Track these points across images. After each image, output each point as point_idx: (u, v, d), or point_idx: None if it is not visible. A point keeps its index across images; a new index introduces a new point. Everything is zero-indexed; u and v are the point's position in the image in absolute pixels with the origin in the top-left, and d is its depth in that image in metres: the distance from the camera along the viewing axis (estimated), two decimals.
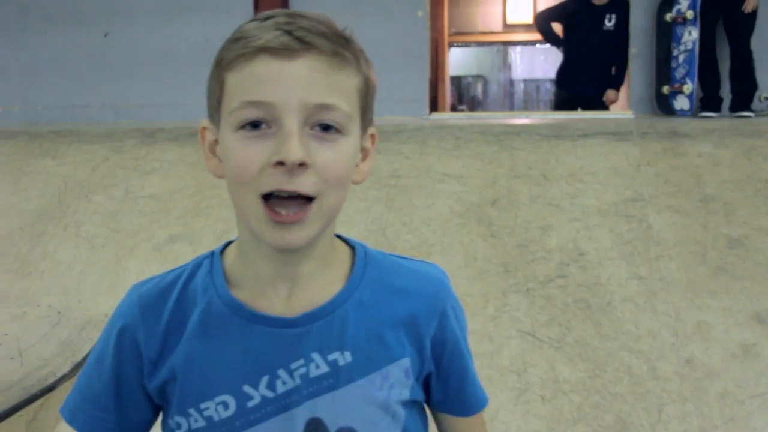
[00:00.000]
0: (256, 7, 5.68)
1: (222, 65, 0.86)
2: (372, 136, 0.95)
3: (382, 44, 5.29)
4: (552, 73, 6.81)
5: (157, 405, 0.95)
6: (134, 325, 0.92)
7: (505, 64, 11.13)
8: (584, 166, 3.72)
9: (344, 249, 0.98)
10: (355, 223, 3.39)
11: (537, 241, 3.28)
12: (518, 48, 10.99)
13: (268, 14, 0.87)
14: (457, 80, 10.80)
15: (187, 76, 5.71)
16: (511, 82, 11.18)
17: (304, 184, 0.82)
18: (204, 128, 0.92)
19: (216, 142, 0.90)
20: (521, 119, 5.38)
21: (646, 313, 2.90)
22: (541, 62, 10.72)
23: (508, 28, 10.17)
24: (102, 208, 3.72)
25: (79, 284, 3.30)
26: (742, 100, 5.02)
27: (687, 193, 3.50)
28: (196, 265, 0.96)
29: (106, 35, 5.83)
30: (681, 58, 5.07)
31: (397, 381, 0.92)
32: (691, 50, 5.00)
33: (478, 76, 11.08)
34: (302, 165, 0.81)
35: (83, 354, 2.85)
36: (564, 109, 5.77)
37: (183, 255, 3.37)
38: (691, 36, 4.99)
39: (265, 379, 0.89)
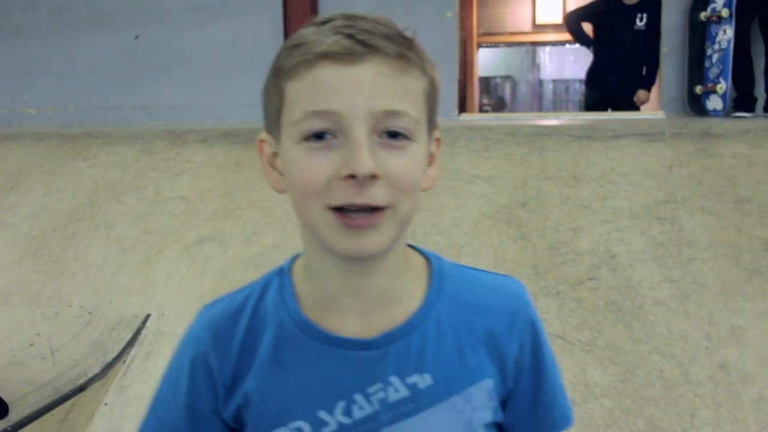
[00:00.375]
0: (285, 9, 5.69)
1: (281, 74, 0.81)
2: (437, 140, 0.90)
3: None
4: (581, 74, 6.75)
5: (234, 430, 0.92)
6: (207, 351, 0.89)
7: (534, 65, 11.07)
8: (615, 168, 3.67)
9: (419, 261, 0.93)
10: None
11: (567, 243, 3.25)
12: (547, 48, 10.92)
13: (325, 18, 0.82)
14: (485, 81, 10.75)
15: (216, 77, 5.76)
16: (540, 83, 11.11)
17: (375, 195, 0.77)
18: (262, 141, 0.88)
19: (275, 155, 0.86)
20: (551, 120, 5.33)
21: (678, 316, 2.85)
22: (570, 62, 10.64)
23: (538, 28, 10.11)
24: (132, 210, 3.76)
25: (110, 285, 3.33)
26: None
27: (720, 195, 3.44)
28: (266, 283, 0.92)
29: (136, 38, 5.89)
30: (715, 57, 4.99)
31: (480, 403, 0.88)
32: (726, 49, 4.92)
33: (506, 77, 11.02)
34: (373, 177, 0.76)
35: (114, 354, 2.88)
36: (594, 109, 5.71)
37: (212, 256, 3.38)
38: (725, 35, 4.91)
39: (341, 405, 0.85)
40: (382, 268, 0.85)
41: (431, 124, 0.87)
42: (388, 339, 0.85)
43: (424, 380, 0.85)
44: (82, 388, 2.67)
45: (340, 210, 0.78)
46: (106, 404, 2.75)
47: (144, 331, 3.04)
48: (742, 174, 3.55)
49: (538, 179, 3.65)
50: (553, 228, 3.34)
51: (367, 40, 0.78)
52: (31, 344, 2.94)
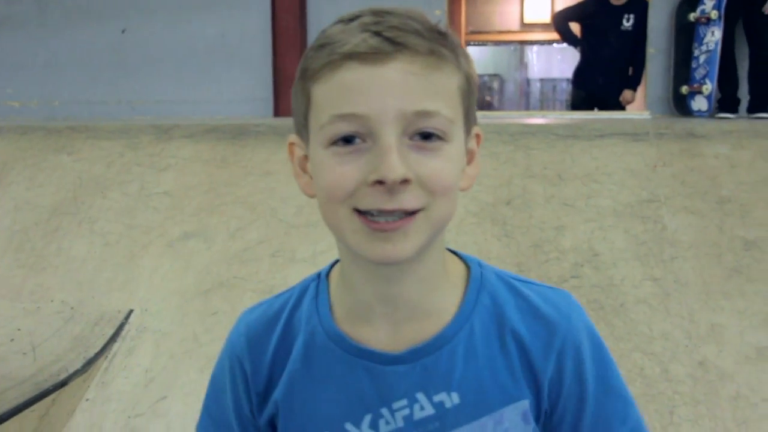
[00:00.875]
0: (274, 4, 5.69)
1: (307, 76, 0.77)
2: (477, 136, 0.86)
3: None
4: (569, 73, 6.77)
5: None
6: (242, 357, 0.89)
7: (522, 63, 11.09)
8: (600, 167, 3.69)
9: (458, 268, 0.89)
10: None
11: (551, 241, 3.26)
12: (535, 47, 10.96)
13: (353, 14, 0.77)
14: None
15: (203, 73, 5.74)
16: (528, 82, 11.14)
17: (407, 200, 0.74)
18: (292, 144, 0.85)
19: (306, 158, 0.82)
20: (537, 119, 5.35)
21: (659, 314, 2.87)
22: (557, 62, 10.68)
23: (526, 27, 10.15)
24: (117, 205, 3.74)
25: (93, 280, 3.32)
26: (761, 102, 4.97)
27: (703, 195, 3.46)
28: (303, 289, 0.90)
29: (123, 32, 5.87)
30: (702, 58, 5.03)
31: (512, 425, 0.82)
32: (713, 51, 4.96)
33: (494, 75, 11.05)
34: (404, 182, 0.73)
35: (96, 350, 2.87)
36: (580, 108, 5.74)
37: (197, 252, 3.38)
38: (714, 36, 4.94)
39: (368, 418, 0.83)
40: (415, 275, 0.81)
41: (469, 121, 0.83)
42: (416, 354, 0.82)
43: (451, 399, 0.82)
44: (63, 384, 2.66)
45: (364, 213, 0.75)
46: (87, 400, 2.74)
47: (126, 327, 3.03)
48: (724, 174, 3.58)
49: (523, 177, 3.66)
50: (537, 226, 3.35)
51: (395, 37, 0.73)
52: (12, 339, 2.92)
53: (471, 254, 0.89)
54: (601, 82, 5.52)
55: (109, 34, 5.83)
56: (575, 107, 5.90)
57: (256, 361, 0.87)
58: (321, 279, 0.89)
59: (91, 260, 3.42)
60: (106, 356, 2.89)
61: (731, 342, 2.74)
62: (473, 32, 10.03)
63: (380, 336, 0.83)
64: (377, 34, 0.73)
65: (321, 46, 0.76)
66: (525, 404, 0.83)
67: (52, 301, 3.19)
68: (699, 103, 5.07)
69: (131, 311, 3.10)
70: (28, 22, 5.91)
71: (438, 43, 0.76)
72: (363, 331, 0.84)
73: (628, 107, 5.60)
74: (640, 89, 5.62)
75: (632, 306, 2.91)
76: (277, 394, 0.86)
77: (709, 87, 4.99)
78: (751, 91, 5.01)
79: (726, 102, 5.07)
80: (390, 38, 0.73)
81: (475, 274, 0.86)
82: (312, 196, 0.82)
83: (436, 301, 0.84)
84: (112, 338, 2.95)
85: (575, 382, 0.85)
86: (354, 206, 0.75)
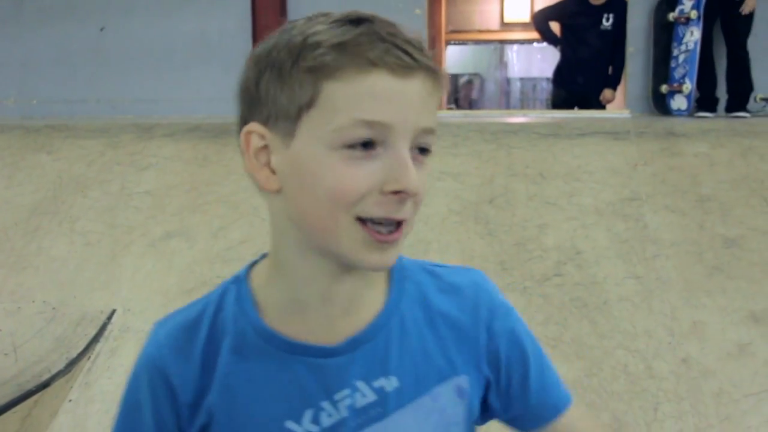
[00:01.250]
0: (254, 2, 5.66)
1: (319, 71, 0.74)
2: None
3: None
4: (549, 72, 6.81)
5: None
6: (166, 369, 0.84)
7: (502, 63, 11.13)
8: (581, 165, 3.72)
9: None
10: None
11: (534, 239, 3.28)
12: (515, 46, 10.99)
13: (353, 16, 0.77)
14: (453, 78, 10.79)
15: (183, 71, 5.71)
16: (508, 81, 11.18)
17: (407, 211, 0.77)
18: (250, 133, 0.80)
19: (265, 148, 0.79)
20: (519, 118, 5.38)
21: (642, 312, 2.90)
22: (537, 61, 10.72)
23: (506, 26, 10.18)
24: (97, 204, 3.71)
25: (74, 280, 3.29)
26: (738, 101, 5.03)
27: (683, 193, 3.50)
28: (222, 292, 0.88)
29: (102, 29, 5.82)
30: (681, 57, 5.08)
31: (448, 401, 0.86)
32: (692, 50, 5.01)
33: (474, 75, 11.08)
34: (415, 194, 0.76)
35: (78, 350, 2.85)
36: (561, 107, 5.78)
37: (179, 251, 3.36)
38: (693, 36, 4.99)
39: (309, 413, 0.83)
40: (358, 273, 0.83)
41: None
42: (353, 344, 0.84)
43: (390, 383, 0.84)
44: (45, 385, 2.63)
45: (365, 221, 0.76)
46: (70, 401, 2.71)
47: (109, 327, 3.00)
48: (704, 173, 3.62)
49: (506, 176, 3.68)
50: (519, 225, 3.37)
51: (415, 54, 0.75)
52: None
53: (455, 253, 0.90)
54: (581, 82, 5.56)
55: (87, 32, 5.77)
56: (556, 106, 5.94)
57: (182, 371, 0.84)
58: (241, 281, 0.88)
59: (72, 260, 3.39)
60: (89, 357, 2.86)
61: (713, 339, 2.77)
62: (453, 31, 10.05)
63: (315, 331, 0.84)
64: (398, 47, 0.75)
65: (338, 44, 0.74)
66: (459, 380, 0.87)
67: (33, 301, 3.16)
68: (678, 102, 5.13)
69: (114, 311, 3.07)
70: (5, 20, 5.84)
71: (437, 66, 0.79)
72: (297, 327, 0.84)
73: (608, 106, 5.65)
74: (620, 88, 5.67)
75: (615, 303, 2.94)
76: (209, 400, 0.84)
77: (689, 86, 5.04)
78: (729, 91, 5.07)
79: (704, 101, 5.12)
80: (411, 54, 0.75)
81: (396, 265, 0.87)
82: (272, 191, 0.80)
83: (367, 294, 0.86)
84: (95, 338, 2.92)
85: (512, 346, 0.90)
86: (356, 214, 0.75)
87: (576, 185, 3.60)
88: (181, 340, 0.85)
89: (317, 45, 0.75)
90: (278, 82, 0.77)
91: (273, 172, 0.79)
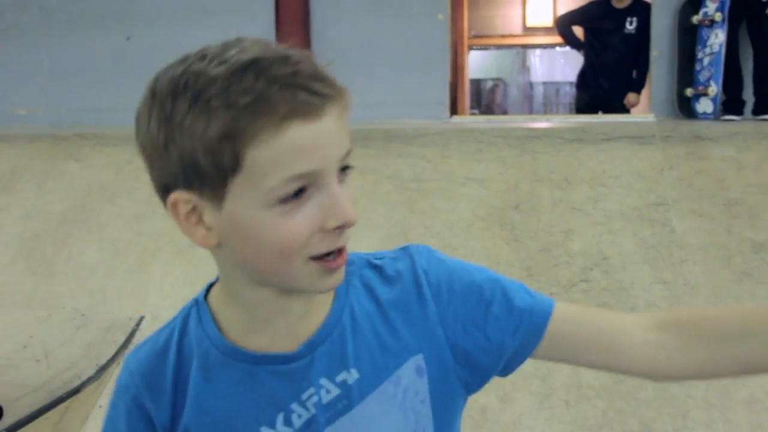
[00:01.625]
0: (278, 11, 5.70)
1: (236, 138, 0.73)
2: None
3: (402, 47, 5.30)
4: (572, 77, 6.79)
5: None
6: (140, 396, 0.89)
7: (525, 67, 11.10)
8: (607, 170, 3.70)
9: None
10: (377, 226, 3.39)
11: (560, 245, 3.27)
12: (538, 51, 10.96)
13: (249, 60, 0.74)
14: (476, 83, 10.79)
15: None
16: (531, 85, 11.15)
17: (347, 235, 0.81)
18: (176, 203, 0.80)
19: (194, 210, 0.79)
20: (542, 123, 5.36)
21: None
22: (560, 65, 10.68)
23: (528, 31, 10.14)
24: (126, 211, 3.75)
25: (104, 287, 3.33)
26: (766, 103, 4.97)
27: (711, 197, 3.47)
28: (185, 317, 0.91)
29: (128, 39, 5.88)
30: (706, 60, 5.03)
31: (409, 381, 0.89)
32: (717, 53, 4.95)
33: (497, 79, 11.06)
34: None
35: (108, 356, 2.88)
36: (585, 112, 5.75)
37: (206, 258, 3.36)
38: (717, 38, 4.94)
39: (280, 417, 0.86)
40: None
41: None
42: (311, 346, 0.87)
43: (351, 376, 0.87)
44: (76, 391, 2.66)
45: (319, 257, 0.79)
46: (100, 407, 2.74)
47: (138, 334, 3.04)
48: (731, 177, 3.59)
49: (530, 182, 3.67)
50: (545, 230, 3.36)
51: (321, 90, 0.75)
52: (25, 347, 2.93)
53: (480, 259, 0.92)
54: (605, 86, 5.53)
55: (114, 42, 5.84)
56: (579, 111, 5.91)
57: (156, 397, 0.88)
58: (200, 304, 0.91)
59: (101, 267, 3.43)
60: (119, 363, 2.89)
61: None
62: (476, 36, 10.03)
63: (276, 341, 0.87)
64: (303, 88, 0.74)
65: (250, 104, 0.72)
66: (418, 359, 0.89)
67: (63, 308, 3.20)
68: (704, 106, 5.07)
69: (142, 317, 3.11)
70: (34, 31, 5.92)
71: (335, 81, 0.78)
72: (259, 340, 0.87)
73: (632, 110, 5.61)
74: (645, 92, 5.63)
75: (643, 309, 2.92)
76: (185, 421, 0.88)
77: (714, 89, 4.99)
78: (756, 93, 5.01)
79: (731, 104, 5.06)
80: (317, 92, 0.74)
81: None
82: (213, 247, 0.82)
83: (317, 297, 0.89)
84: (124, 345, 2.96)
85: (450, 286, 0.91)
86: (308, 255, 0.78)
87: (601, 190, 3.58)
88: (152, 368, 0.89)
89: (227, 106, 0.73)
90: (193, 148, 0.75)
91: (208, 228, 0.80)
